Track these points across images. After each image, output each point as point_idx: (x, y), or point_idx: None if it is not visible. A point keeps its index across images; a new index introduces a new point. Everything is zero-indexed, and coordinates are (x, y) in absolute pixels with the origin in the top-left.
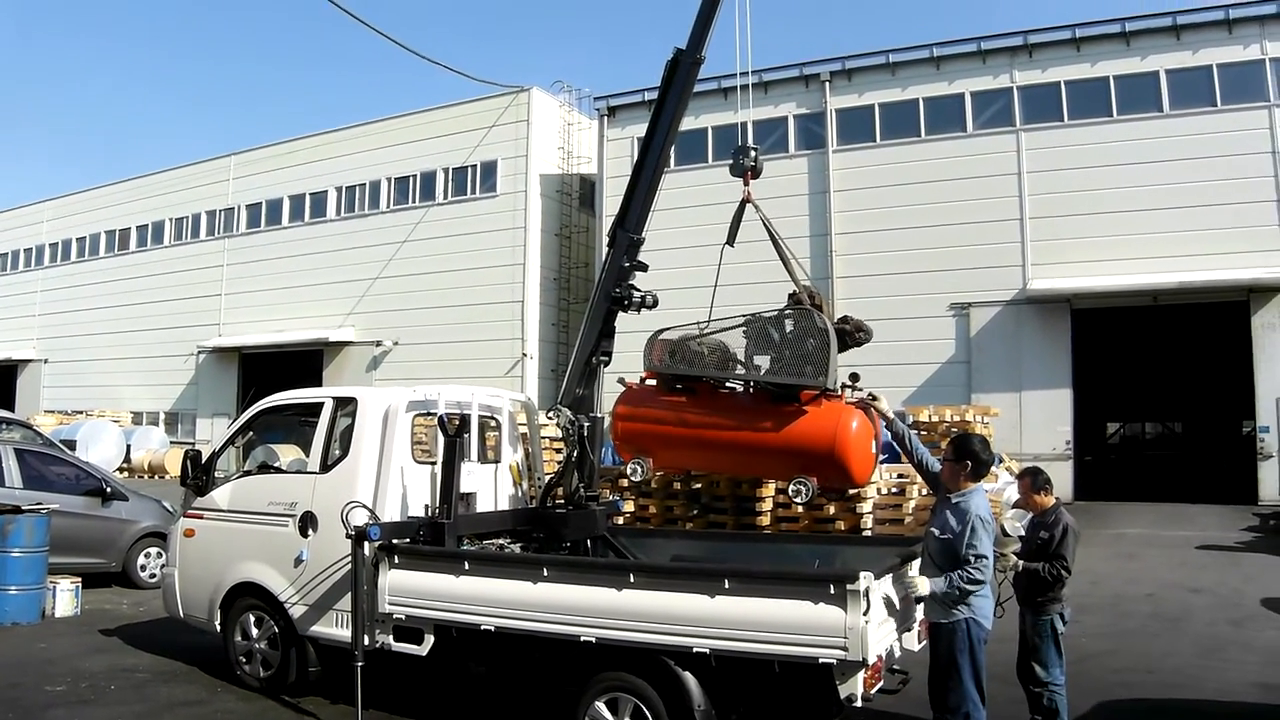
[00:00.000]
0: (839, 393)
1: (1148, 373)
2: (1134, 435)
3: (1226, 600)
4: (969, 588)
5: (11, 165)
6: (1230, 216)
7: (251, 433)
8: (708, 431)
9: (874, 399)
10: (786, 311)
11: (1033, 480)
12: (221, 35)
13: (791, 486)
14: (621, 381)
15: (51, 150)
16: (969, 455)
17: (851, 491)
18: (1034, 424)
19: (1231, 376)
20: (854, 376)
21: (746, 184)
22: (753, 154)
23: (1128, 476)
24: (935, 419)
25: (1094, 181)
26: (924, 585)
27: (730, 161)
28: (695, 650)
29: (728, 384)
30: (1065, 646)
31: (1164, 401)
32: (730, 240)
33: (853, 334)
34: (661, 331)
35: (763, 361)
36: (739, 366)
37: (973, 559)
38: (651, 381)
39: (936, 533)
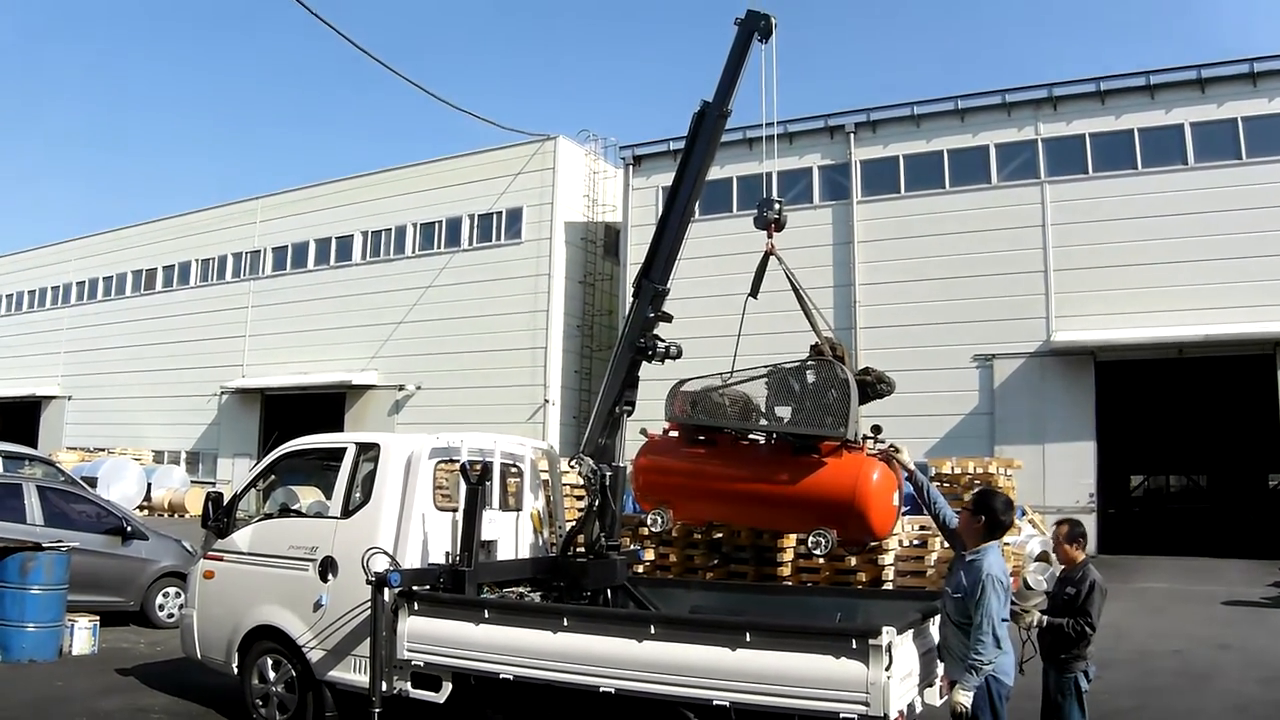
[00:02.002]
0: (860, 444)
1: (1172, 425)
2: (1158, 488)
3: (1254, 658)
4: (984, 664)
5: (39, 205)
6: (1256, 269)
7: (273, 476)
8: (729, 483)
9: (896, 450)
10: (808, 363)
11: (1069, 530)
12: (250, 82)
13: (811, 538)
14: (644, 432)
15: (79, 191)
16: (986, 511)
17: (872, 544)
18: (1057, 476)
19: (1257, 430)
20: (876, 428)
21: (770, 236)
22: (776, 206)
23: (1152, 530)
24: (958, 471)
25: (1119, 234)
26: (965, 697)
27: (755, 213)
28: (715, 703)
29: (749, 435)
30: (1089, 703)
31: (1189, 454)
32: (753, 292)
33: (874, 385)
34: (684, 382)
35: (784, 413)
36: (760, 418)
37: (980, 636)
38: (674, 432)
39: (951, 591)
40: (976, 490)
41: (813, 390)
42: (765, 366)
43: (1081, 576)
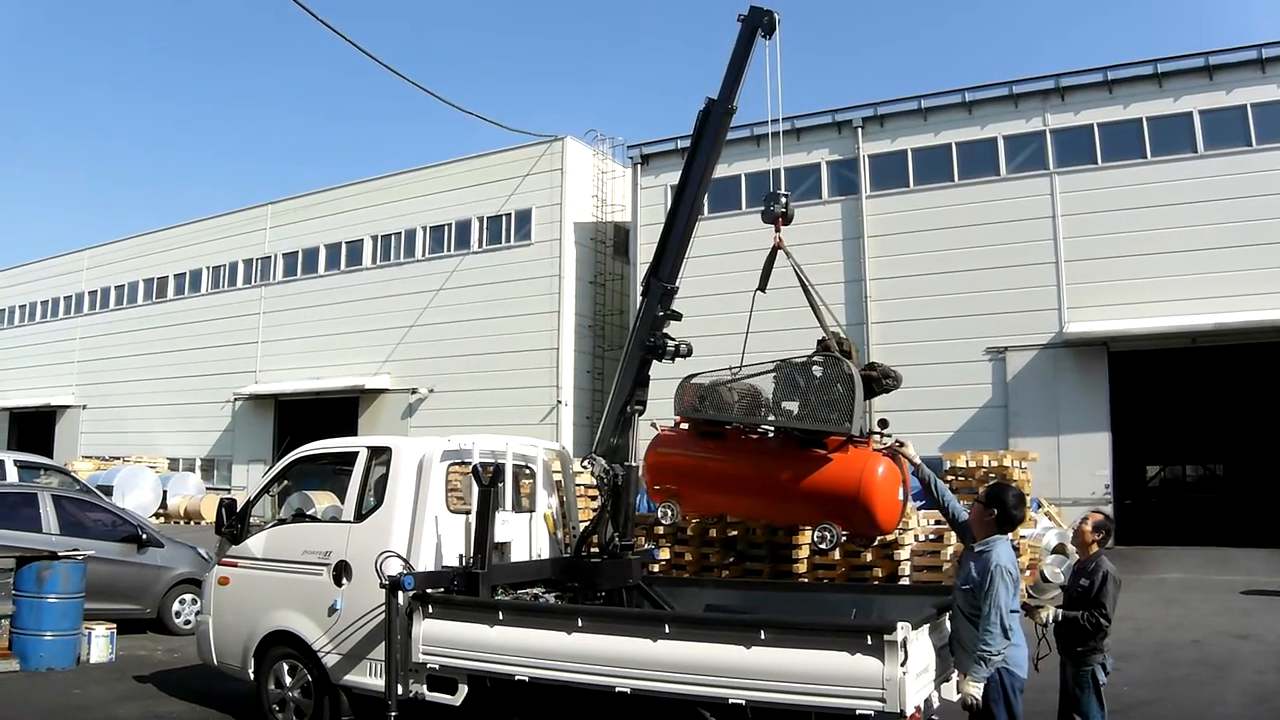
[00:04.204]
0: (866, 439)
1: (1187, 415)
2: (1175, 478)
3: (1274, 647)
4: (993, 655)
5: (51, 215)
6: (1267, 256)
7: (286, 481)
8: (736, 476)
9: (902, 445)
10: (814, 358)
11: (1100, 520)
12: (257, 88)
13: (816, 533)
14: (653, 426)
15: (90, 200)
16: (998, 504)
17: (888, 538)
18: (1072, 468)
19: (1273, 417)
20: (882, 423)
21: (778, 231)
22: (784, 201)
23: (1169, 520)
24: (972, 464)
25: (1129, 223)
26: (975, 688)
27: (762, 209)
28: (731, 701)
29: (757, 429)
30: (1107, 696)
31: (1205, 444)
32: (762, 286)
33: (880, 380)
34: (692, 376)
35: (791, 407)
36: (767, 412)
37: (988, 627)
38: (683, 426)
39: (961, 584)
40: (989, 483)
41: (819, 385)
42: (773, 361)
43: (1095, 568)
